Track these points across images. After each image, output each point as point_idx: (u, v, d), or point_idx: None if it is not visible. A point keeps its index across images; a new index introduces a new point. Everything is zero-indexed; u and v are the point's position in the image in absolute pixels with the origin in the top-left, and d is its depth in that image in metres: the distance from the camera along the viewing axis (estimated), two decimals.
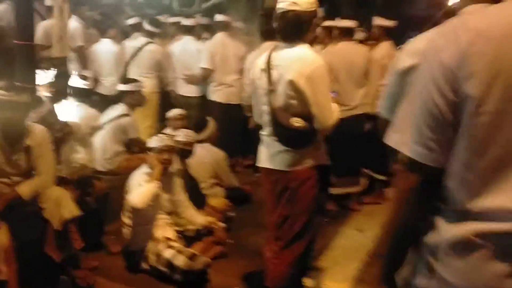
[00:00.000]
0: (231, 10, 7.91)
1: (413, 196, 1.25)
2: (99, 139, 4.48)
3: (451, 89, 1.12)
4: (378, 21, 5.08)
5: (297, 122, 2.70)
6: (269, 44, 5.16)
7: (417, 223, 1.28)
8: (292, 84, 2.65)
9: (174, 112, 5.07)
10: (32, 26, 4.14)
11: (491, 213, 1.12)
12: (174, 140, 3.73)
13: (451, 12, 1.42)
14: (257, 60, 2.90)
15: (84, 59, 5.83)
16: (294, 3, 2.62)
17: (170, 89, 6.06)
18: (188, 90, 5.99)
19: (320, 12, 3.22)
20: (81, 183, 3.64)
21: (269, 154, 2.87)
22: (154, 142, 3.56)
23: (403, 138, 1.24)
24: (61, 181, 3.45)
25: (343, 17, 4.94)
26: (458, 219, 1.18)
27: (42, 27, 5.93)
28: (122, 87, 4.63)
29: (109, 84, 5.89)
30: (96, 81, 5.80)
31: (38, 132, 3.26)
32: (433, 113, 1.15)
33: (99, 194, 3.79)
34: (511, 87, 1.06)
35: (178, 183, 3.81)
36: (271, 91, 2.74)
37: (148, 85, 5.67)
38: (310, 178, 2.81)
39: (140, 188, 3.35)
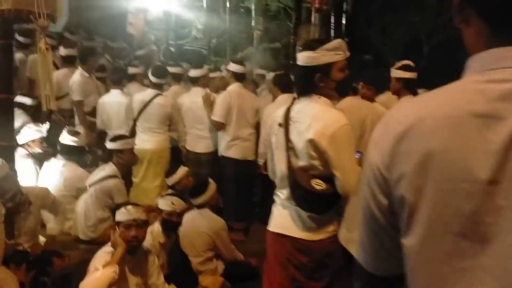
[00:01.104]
0: (261, 62, 7.55)
1: None
2: (82, 203, 3.99)
3: (383, 192, 0.98)
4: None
5: (318, 184, 2.47)
6: (286, 97, 4.70)
7: None
8: (313, 143, 2.46)
9: (178, 172, 4.56)
10: (11, 78, 3.78)
11: None
12: (150, 212, 3.18)
13: None
14: (275, 113, 2.73)
15: (82, 113, 5.48)
16: (304, 56, 2.52)
17: (181, 145, 5.56)
18: (199, 146, 5.46)
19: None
20: (39, 261, 3.09)
21: (285, 219, 2.63)
22: (120, 215, 2.98)
23: (352, 235, 1.21)
24: (12, 259, 2.92)
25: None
26: None
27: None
28: (110, 144, 4.14)
29: None
30: (104, 135, 5.47)
31: None
32: (368, 218, 1.03)
33: (58, 274, 3.22)
34: (442, 191, 0.90)
35: (154, 263, 3.19)
36: (289, 149, 2.55)
37: (158, 141, 5.27)
38: (334, 249, 2.56)
39: (95, 273, 2.76)
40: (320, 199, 2.50)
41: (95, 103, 5.66)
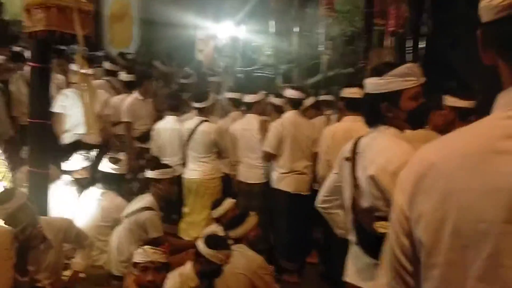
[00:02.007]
0: (331, 87, 7.12)
1: None
2: (115, 236, 3.74)
3: (405, 233, 0.98)
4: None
5: (382, 227, 2.17)
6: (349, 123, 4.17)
7: None
8: (374, 180, 2.21)
9: (224, 204, 4.22)
10: (48, 103, 3.65)
11: None
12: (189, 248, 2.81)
13: None
14: (345, 148, 2.49)
15: (129, 136, 5.39)
16: (370, 82, 2.28)
17: (232, 174, 5.22)
18: (251, 176, 5.08)
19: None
20: None
21: (356, 267, 2.41)
22: (137, 255, 2.65)
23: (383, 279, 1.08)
24: None
25: None
26: None
27: (112, 103, 5.63)
28: (149, 173, 3.88)
29: (174, 165, 5.31)
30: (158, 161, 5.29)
31: None
32: (392, 260, 1.02)
33: None
34: (460, 232, 0.88)
35: None
36: (355, 186, 2.32)
37: (204, 170, 5.00)
38: None
39: None
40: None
41: (145, 128, 5.53)
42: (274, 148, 4.76)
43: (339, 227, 2.69)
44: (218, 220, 4.31)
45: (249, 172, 5.08)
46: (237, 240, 3.61)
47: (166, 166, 4.11)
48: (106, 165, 4.04)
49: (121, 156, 4.18)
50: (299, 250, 4.92)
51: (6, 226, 2.73)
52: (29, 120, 3.56)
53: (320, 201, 2.71)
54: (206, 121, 5.03)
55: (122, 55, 8.04)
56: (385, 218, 2.14)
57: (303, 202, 4.72)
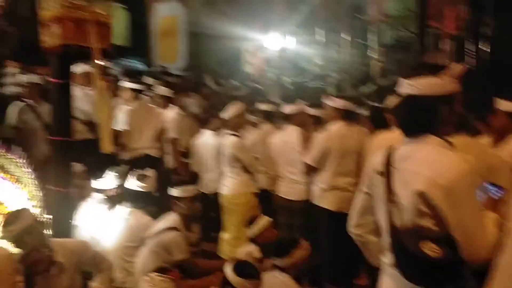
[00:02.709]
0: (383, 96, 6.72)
1: None
2: (140, 258, 3.55)
3: None
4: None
5: (430, 249, 1.88)
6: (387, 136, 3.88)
7: None
8: (422, 196, 1.90)
9: (259, 223, 3.96)
10: (69, 120, 3.54)
11: None
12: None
13: None
14: (374, 159, 2.19)
15: (176, 152, 5.25)
16: (422, 82, 1.95)
17: (271, 189, 4.94)
18: (291, 192, 4.77)
19: None
20: None
21: None
22: (144, 284, 2.42)
23: None
24: None
25: None
26: None
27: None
28: (171, 190, 3.68)
29: (207, 182, 5.18)
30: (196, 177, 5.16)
31: None
32: None
33: None
34: None
35: None
36: (392, 202, 2.01)
37: (230, 186, 4.77)
38: None
39: None
40: (434, 269, 1.89)
41: (187, 143, 5.44)
42: (316, 161, 4.43)
43: (375, 257, 2.35)
44: (253, 240, 4.05)
45: (289, 188, 4.77)
46: (283, 269, 3.30)
47: (188, 182, 3.90)
48: (132, 183, 3.89)
49: (149, 173, 4.02)
50: (346, 272, 4.53)
51: (11, 249, 2.60)
52: (49, 137, 3.47)
53: (352, 225, 2.37)
54: (233, 134, 4.78)
55: (164, 70, 8.06)
56: (434, 238, 1.89)
57: (346, 221, 4.36)
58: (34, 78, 5.15)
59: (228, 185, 4.76)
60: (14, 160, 3.52)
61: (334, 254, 4.47)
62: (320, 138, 4.47)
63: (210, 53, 9.37)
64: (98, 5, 3.26)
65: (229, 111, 4.79)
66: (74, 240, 3.09)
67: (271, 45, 9.65)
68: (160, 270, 2.64)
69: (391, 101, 3.98)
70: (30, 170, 3.57)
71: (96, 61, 3.30)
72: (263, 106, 5.40)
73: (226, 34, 9.38)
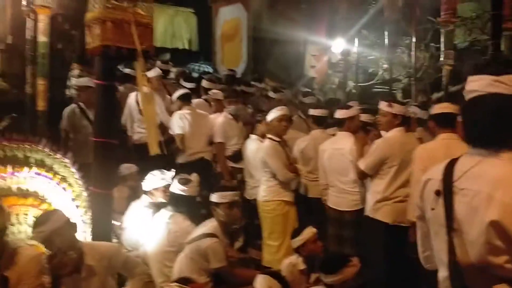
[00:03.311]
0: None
1: None
2: (178, 264, 3.48)
3: None
4: None
5: None
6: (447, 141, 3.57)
7: None
8: (496, 227, 1.52)
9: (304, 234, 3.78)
10: (111, 121, 3.53)
11: None
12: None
13: None
14: (429, 174, 1.77)
15: (222, 156, 5.30)
16: (498, 81, 1.56)
17: (323, 199, 4.71)
18: (343, 203, 4.51)
19: None
20: None
21: None
22: None
23: None
24: None
25: None
26: None
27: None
28: (212, 196, 3.58)
29: (250, 188, 5.16)
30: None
31: (22, 258, 2.43)
32: None
33: None
34: None
35: None
36: (454, 231, 1.61)
37: (260, 192, 4.69)
38: None
39: None
40: None
41: (237, 147, 5.36)
42: (371, 169, 4.15)
43: None
44: (297, 250, 3.87)
45: (339, 197, 4.52)
46: (330, 286, 3.10)
47: (228, 188, 3.78)
48: (175, 186, 3.84)
49: (192, 177, 3.95)
50: None
51: (39, 250, 2.60)
52: (93, 139, 3.47)
53: (423, 259, 1.93)
54: (270, 138, 4.64)
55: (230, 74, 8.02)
56: (508, 279, 1.53)
57: (404, 234, 4.03)
58: (85, 80, 5.26)
59: (261, 191, 4.65)
60: (60, 160, 3.58)
61: (389, 271, 4.17)
62: (380, 144, 4.19)
63: (273, 57, 9.25)
64: (140, 6, 3.21)
65: (271, 115, 4.64)
66: (106, 243, 3.05)
67: (336, 48, 9.37)
68: (182, 280, 2.53)
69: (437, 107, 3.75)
70: (75, 170, 3.62)
71: (139, 63, 3.26)
72: (315, 111, 5.20)
73: (289, 38, 9.24)
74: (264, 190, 4.62)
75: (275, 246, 4.46)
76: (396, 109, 4.23)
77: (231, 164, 5.42)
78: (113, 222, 4.14)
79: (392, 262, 4.15)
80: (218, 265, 3.36)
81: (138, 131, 5.54)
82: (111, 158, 3.51)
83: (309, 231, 3.81)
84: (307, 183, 5.01)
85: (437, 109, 3.79)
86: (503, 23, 6.52)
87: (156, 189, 4.21)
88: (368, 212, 4.24)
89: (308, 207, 4.92)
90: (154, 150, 3.54)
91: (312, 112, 5.23)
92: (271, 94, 6.64)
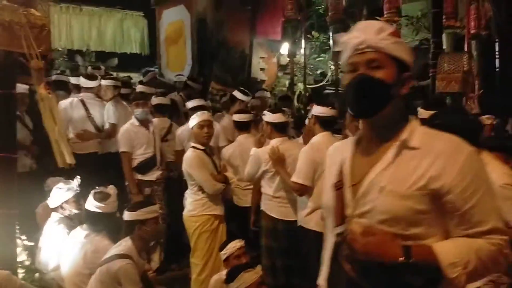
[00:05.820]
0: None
1: None
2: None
3: None
4: None
5: None
6: None
7: None
8: None
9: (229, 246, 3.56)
10: (13, 133, 3.22)
11: None
12: None
13: None
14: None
15: (126, 168, 4.94)
16: None
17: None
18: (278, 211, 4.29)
19: None
20: None
21: None
22: None
23: None
24: None
25: None
26: None
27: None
28: (138, 214, 3.29)
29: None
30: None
31: None
32: None
33: None
34: None
35: None
36: None
37: (188, 205, 4.35)
38: None
39: None
40: None
41: (145, 157, 5.05)
42: (307, 178, 3.89)
43: None
44: (226, 264, 3.65)
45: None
46: None
47: (148, 203, 3.48)
48: (91, 203, 3.52)
49: (110, 190, 3.63)
50: None
51: None
52: None
53: None
54: (193, 146, 4.33)
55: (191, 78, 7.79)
56: None
57: None
58: None
59: (187, 205, 4.25)
60: None
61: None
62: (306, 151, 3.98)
63: (218, 60, 8.99)
64: (34, 8, 2.92)
65: (191, 121, 4.31)
66: None
67: (284, 50, 9.18)
68: None
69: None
70: None
71: (34, 68, 2.95)
72: (235, 117, 4.93)
73: (235, 40, 9.01)
74: (190, 203, 4.19)
75: (200, 265, 4.09)
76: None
77: (138, 176, 4.93)
78: (26, 243, 3.82)
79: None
80: None
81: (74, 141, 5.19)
82: (11, 174, 3.19)
83: (234, 245, 3.58)
84: (239, 192, 4.72)
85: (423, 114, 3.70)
86: (445, 21, 6.45)
87: (66, 201, 3.89)
88: (301, 222, 4.03)
89: (242, 218, 4.65)
90: (63, 162, 3.24)
91: (234, 117, 4.91)
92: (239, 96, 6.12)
